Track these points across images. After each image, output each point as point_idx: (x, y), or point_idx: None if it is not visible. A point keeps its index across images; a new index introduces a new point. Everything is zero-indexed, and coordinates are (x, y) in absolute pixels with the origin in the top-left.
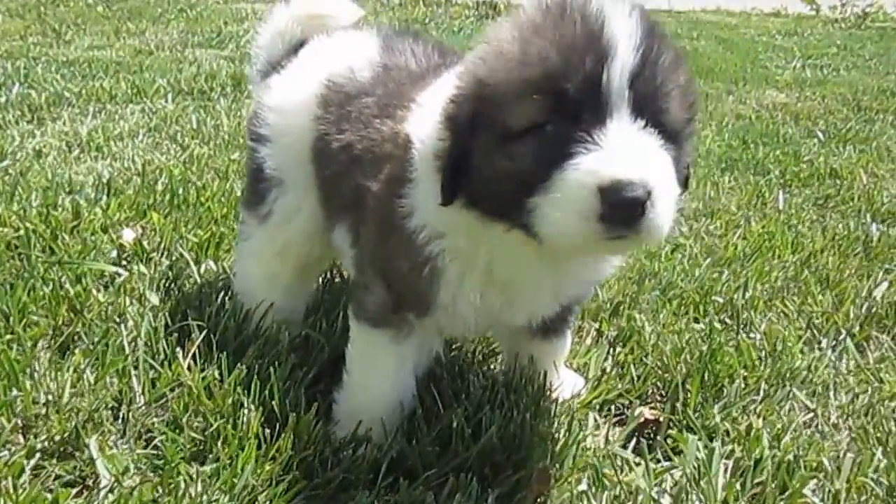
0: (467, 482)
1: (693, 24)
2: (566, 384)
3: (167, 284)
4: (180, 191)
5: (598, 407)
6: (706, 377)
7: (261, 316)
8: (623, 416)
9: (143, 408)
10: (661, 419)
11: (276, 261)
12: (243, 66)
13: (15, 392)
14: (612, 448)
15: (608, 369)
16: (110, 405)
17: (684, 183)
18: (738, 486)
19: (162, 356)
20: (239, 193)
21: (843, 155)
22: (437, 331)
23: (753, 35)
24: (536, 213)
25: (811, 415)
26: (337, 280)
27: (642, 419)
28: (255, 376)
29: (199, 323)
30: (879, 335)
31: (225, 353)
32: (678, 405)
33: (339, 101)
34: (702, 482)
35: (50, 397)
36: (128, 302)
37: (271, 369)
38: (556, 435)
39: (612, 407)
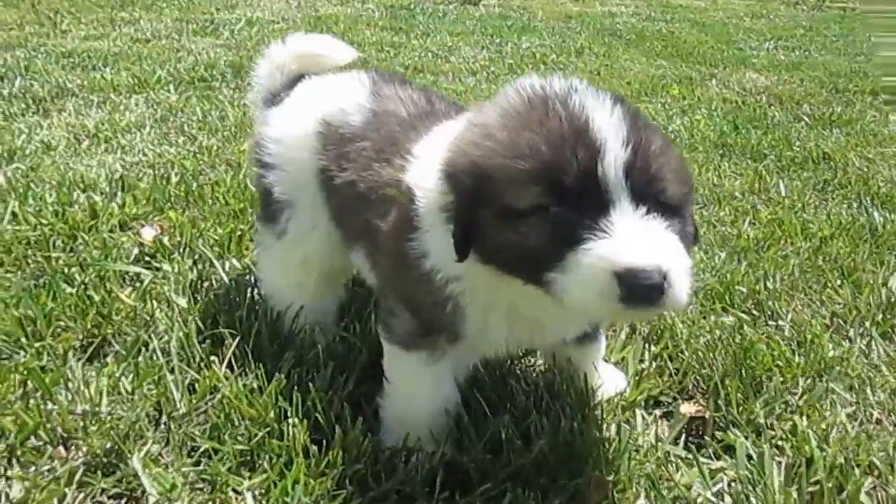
0: (524, 496)
1: (665, 8)
2: (608, 382)
3: (193, 285)
4: (194, 185)
5: (642, 404)
6: (744, 373)
7: (293, 318)
8: (667, 412)
9: (184, 417)
10: (707, 416)
11: (300, 271)
12: (240, 55)
13: (50, 405)
14: (663, 447)
15: (647, 365)
16: (150, 414)
17: (694, 238)
18: (794, 491)
19: (197, 362)
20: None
21: (832, 138)
22: (471, 351)
23: (723, 17)
24: (554, 285)
25: (852, 408)
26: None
27: (688, 416)
28: (296, 384)
29: (232, 331)
30: None
31: (260, 359)
32: (720, 402)
33: (335, 141)
34: (757, 487)
35: (87, 407)
36: (154, 305)
37: (312, 376)
38: (608, 438)
39: (657, 403)
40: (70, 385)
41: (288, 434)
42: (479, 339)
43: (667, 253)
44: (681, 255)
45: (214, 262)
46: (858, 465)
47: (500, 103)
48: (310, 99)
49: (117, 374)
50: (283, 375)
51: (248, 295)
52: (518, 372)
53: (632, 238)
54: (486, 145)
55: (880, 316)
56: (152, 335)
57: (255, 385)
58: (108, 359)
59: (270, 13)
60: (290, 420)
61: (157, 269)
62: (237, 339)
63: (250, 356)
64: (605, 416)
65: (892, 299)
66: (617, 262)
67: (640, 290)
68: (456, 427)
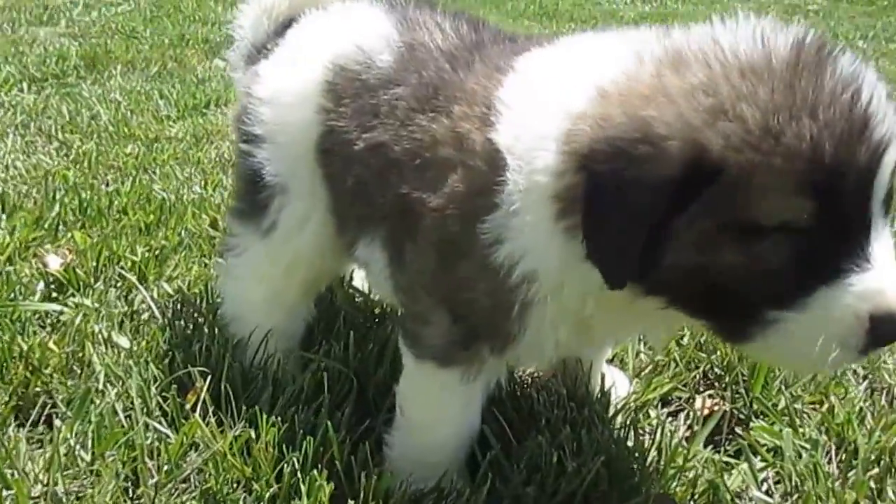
0: None
1: None
2: (618, 382)
3: (128, 320)
4: (87, 198)
5: (657, 404)
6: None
7: (259, 346)
8: (681, 409)
9: (164, 487)
10: (725, 409)
11: (282, 278)
12: (91, 44)
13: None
14: (694, 449)
15: (649, 361)
16: (122, 488)
17: None
18: (852, 481)
19: (164, 415)
20: (161, 194)
21: None
22: (509, 362)
23: None
24: (775, 329)
25: (866, 382)
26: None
27: (707, 411)
28: (291, 428)
29: (202, 369)
30: None
31: (235, 401)
32: (738, 390)
33: (355, 91)
34: (814, 483)
35: (43, 489)
36: (90, 349)
37: (305, 416)
38: (645, 447)
39: (665, 402)
40: (17, 465)
41: (309, 493)
42: (532, 348)
43: None
44: None
45: (141, 289)
46: None
47: (737, 52)
48: (311, 41)
49: (71, 441)
50: (277, 419)
51: (200, 323)
52: (534, 380)
53: (891, 270)
54: (722, 124)
55: None
56: (107, 386)
57: (251, 434)
58: (56, 422)
59: None
60: (303, 475)
61: (77, 305)
62: (208, 379)
63: (223, 399)
64: (629, 421)
65: None
66: (880, 303)
67: (889, 337)
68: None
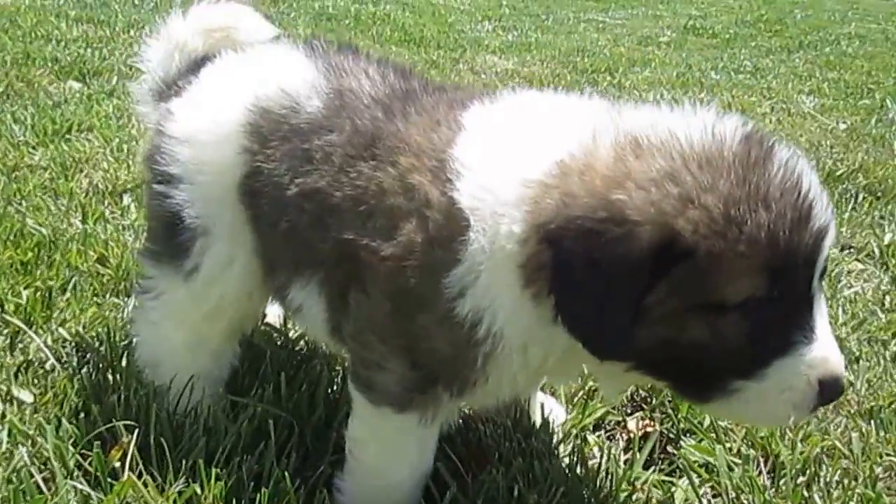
0: None
1: None
2: (555, 409)
3: (24, 370)
4: None
5: (592, 429)
6: None
7: (181, 393)
8: (614, 432)
9: None
10: (655, 429)
11: (205, 322)
12: None
13: None
14: (636, 472)
15: (579, 387)
16: None
17: None
18: (789, 490)
19: (86, 476)
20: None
21: None
22: (464, 404)
23: None
24: (737, 395)
25: None
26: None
27: (639, 432)
28: (236, 481)
29: (128, 422)
30: None
31: (163, 455)
32: (665, 411)
33: (283, 135)
34: (751, 495)
35: None
36: None
37: (250, 465)
38: (597, 473)
39: (597, 426)
40: None
41: None
42: (491, 393)
43: None
44: None
45: (34, 336)
46: (828, 455)
47: (688, 139)
48: (230, 82)
49: None
50: (221, 471)
51: (109, 371)
52: (477, 413)
53: (830, 338)
54: (689, 212)
55: None
56: (17, 448)
57: (196, 490)
58: None
59: None
60: None
61: None
62: (135, 433)
63: (153, 452)
64: (573, 448)
65: None
66: (825, 370)
67: (833, 397)
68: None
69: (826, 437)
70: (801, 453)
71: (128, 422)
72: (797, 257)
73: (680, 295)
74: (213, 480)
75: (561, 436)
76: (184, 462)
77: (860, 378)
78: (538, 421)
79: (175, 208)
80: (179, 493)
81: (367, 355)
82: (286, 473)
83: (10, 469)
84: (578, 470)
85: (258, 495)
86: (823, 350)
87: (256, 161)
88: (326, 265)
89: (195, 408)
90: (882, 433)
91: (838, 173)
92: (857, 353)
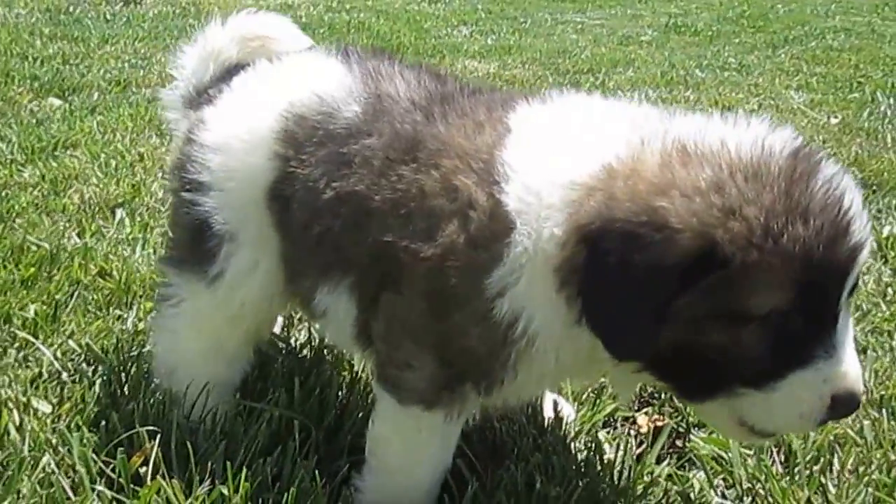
0: None
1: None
2: (564, 410)
3: (39, 382)
4: None
5: (602, 426)
6: None
7: (197, 399)
8: (625, 428)
9: None
10: (666, 424)
11: (226, 327)
12: None
13: None
14: (649, 467)
15: (586, 385)
16: None
17: None
18: (804, 478)
19: (110, 482)
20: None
21: None
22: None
23: (403, 4)
24: (747, 402)
25: None
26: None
27: (648, 428)
28: (260, 484)
29: (150, 428)
30: None
31: (186, 458)
32: (675, 405)
33: (318, 140)
34: (768, 484)
35: None
36: (6, 417)
37: (271, 468)
38: (614, 467)
39: (607, 423)
40: None
41: None
42: (517, 391)
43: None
44: None
45: (44, 349)
46: (839, 443)
47: (738, 151)
48: (264, 89)
49: None
50: (247, 472)
51: (122, 381)
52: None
53: (852, 356)
54: (730, 222)
55: None
56: (46, 455)
57: (222, 491)
58: None
59: None
60: None
61: None
62: (157, 439)
63: (173, 457)
64: (589, 443)
65: None
66: (839, 386)
67: (847, 413)
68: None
69: (837, 425)
70: (814, 442)
71: (149, 428)
72: (829, 273)
73: (708, 302)
74: (240, 481)
75: (573, 432)
76: (205, 466)
77: (868, 368)
78: (551, 417)
79: (203, 215)
80: (208, 493)
81: (396, 355)
82: (315, 472)
83: (34, 477)
84: (596, 464)
85: (284, 496)
86: (843, 365)
87: (290, 167)
88: (359, 268)
89: (212, 413)
90: (893, 421)
91: None
92: (864, 344)
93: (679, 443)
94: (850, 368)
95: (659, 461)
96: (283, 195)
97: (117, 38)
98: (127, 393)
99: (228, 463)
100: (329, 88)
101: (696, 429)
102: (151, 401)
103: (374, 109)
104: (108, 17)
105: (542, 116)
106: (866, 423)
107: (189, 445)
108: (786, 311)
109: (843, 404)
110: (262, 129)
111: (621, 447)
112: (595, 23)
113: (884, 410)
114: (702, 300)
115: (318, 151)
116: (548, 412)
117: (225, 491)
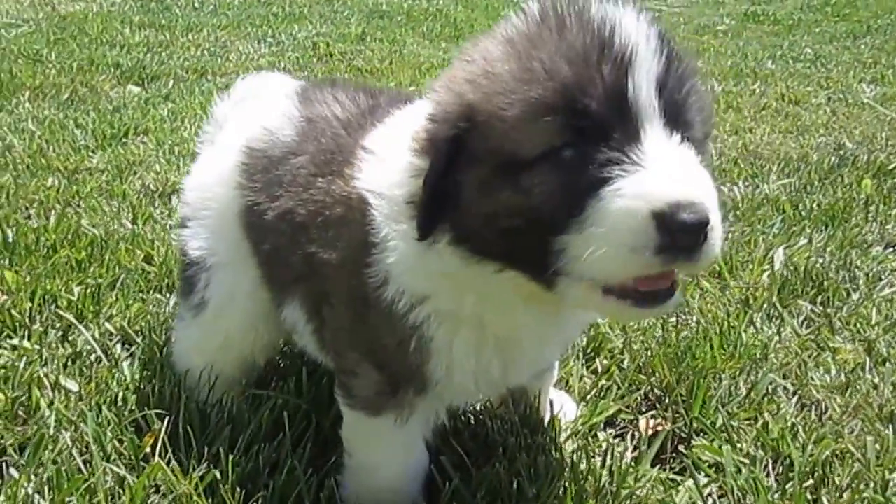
0: None
1: None
2: (567, 408)
3: (72, 361)
4: (13, 234)
5: (603, 427)
6: (690, 376)
7: (211, 388)
8: (626, 430)
9: None
10: (667, 428)
11: (219, 354)
12: None
13: None
14: (642, 470)
15: (591, 383)
16: None
17: None
18: (795, 493)
19: (122, 458)
20: (91, 230)
21: None
22: (441, 403)
23: None
24: (567, 254)
25: (796, 397)
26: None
27: (651, 431)
28: (254, 467)
29: (159, 411)
30: (799, 301)
31: (192, 440)
32: (678, 410)
33: (264, 167)
34: (755, 496)
35: None
36: (38, 394)
37: (268, 454)
38: (599, 470)
39: (610, 423)
40: None
41: None
42: (446, 381)
43: (708, 187)
44: (716, 199)
45: (83, 330)
46: (840, 458)
47: (504, 30)
48: (231, 129)
49: (28, 490)
50: (240, 458)
51: (147, 363)
52: (487, 409)
53: (671, 166)
54: (484, 82)
55: (776, 297)
56: (61, 431)
57: (216, 474)
58: (12, 471)
59: (4, 16)
60: None
61: (15, 348)
62: (165, 420)
63: (181, 440)
64: (578, 445)
65: (784, 277)
66: (657, 197)
67: (685, 229)
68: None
69: (840, 439)
70: (811, 455)
71: (159, 411)
72: (591, 92)
73: (480, 160)
74: (230, 466)
75: (569, 432)
76: (207, 449)
77: (886, 381)
78: (547, 418)
79: (183, 246)
80: (201, 477)
81: (343, 363)
82: (298, 463)
83: (55, 452)
84: (583, 466)
85: (272, 482)
86: (651, 178)
87: (249, 195)
88: (301, 282)
89: (221, 400)
90: None
91: (890, 167)
92: (885, 355)
93: (683, 448)
94: (668, 177)
95: (661, 466)
96: (250, 222)
97: (201, 26)
98: (147, 376)
99: (222, 450)
100: (273, 120)
101: (699, 435)
102: (167, 385)
103: (305, 131)
104: (196, 5)
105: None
106: (870, 438)
107: (196, 429)
108: (557, 145)
109: (672, 221)
110: (228, 164)
111: (612, 450)
112: (675, 10)
113: (892, 426)
114: (475, 160)
115: (263, 176)
116: (544, 412)
117: (219, 475)
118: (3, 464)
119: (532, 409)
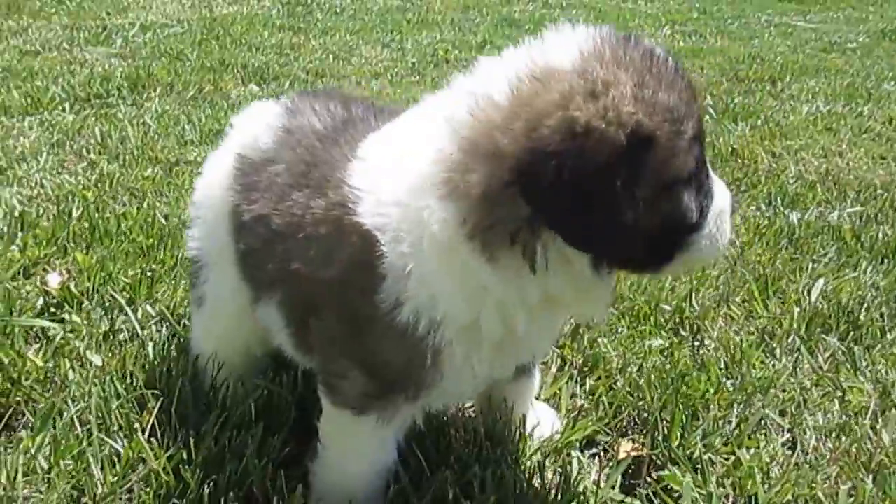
0: None
1: None
2: (544, 422)
3: (106, 338)
4: (98, 220)
5: (578, 445)
6: (680, 403)
7: (215, 373)
8: (604, 451)
9: (107, 498)
10: (644, 454)
11: (220, 344)
12: (136, 66)
13: None
14: (605, 493)
15: (580, 402)
16: (69, 495)
17: None
18: None
19: (117, 431)
20: (162, 218)
21: (737, 131)
22: (427, 405)
23: (619, 2)
24: (692, 247)
25: (788, 435)
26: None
27: (625, 455)
28: (227, 450)
29: (155, 391)
30: (826, 337)
31: (185, 421)
32: (657, 436)
33: (244, 171)
34: None
35: (3, 493)
36: (67, 365)
37: (242, 439)
38: (549, 489)
39: (591, 443)
40: None
41: None
42: (442, 387)
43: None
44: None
45: (127, 309)
46: (803, 501)
47: (616, 60)
48: (231, 136)
49: (32, 450)
50: (211, 442)
51: (166, 347)
52: (455, 418)
53: (719, 182)
54: (641, 107)
55: (804, 329)
56: (69, 401)
57: (183, 455)
58: (23, 432)
59: (164, 15)
60: (223, 495)
61: (66, 322)
62: (160, 401)
63: (174, 419)
64: (545, 461)
65: (817, 310)
66: (727, 203)
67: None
68: (394, 484)
69: (813, 485)
70: (773, 498)
71: (155, 391)
72: (698, 123)
73: (648, 180)
74: (194, 449)
75: (537, 448)
76: (195, 431)
77: (887, 429)
78: (519, 432)
79: (189, 244)
80: (170, 456)
81: (332, 367)
82: (256, 451)
83: (63, 420)
84: (536, 483)
85: (229, 467)
86: (721, 189)
87: (233, 196)
88: (281, 287)
89: (217, 384)
90: (877, 491)
91: None
92: None
93: (656, 474)
94: (723, 188)
95: (629, 492)
96: (235, 223)
97: (335, 30)
98: (166, 359)
99: (192, 433)
100: (258, 128)
101: (676, 465)
102: (173, 367)
103: (282, 140)
104: (338, 10)
105: (381, 139)
106: (843, 487)
107: (190, 410)
108: (696, 166)
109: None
110: (224, 167)
111: (581, 471)
112: (810, 26)
113: (871, 476)
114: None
115: (245, 180)
116: (517, 425)
117: (185, 455)
118: (23, 425)
119: (503, 421)
